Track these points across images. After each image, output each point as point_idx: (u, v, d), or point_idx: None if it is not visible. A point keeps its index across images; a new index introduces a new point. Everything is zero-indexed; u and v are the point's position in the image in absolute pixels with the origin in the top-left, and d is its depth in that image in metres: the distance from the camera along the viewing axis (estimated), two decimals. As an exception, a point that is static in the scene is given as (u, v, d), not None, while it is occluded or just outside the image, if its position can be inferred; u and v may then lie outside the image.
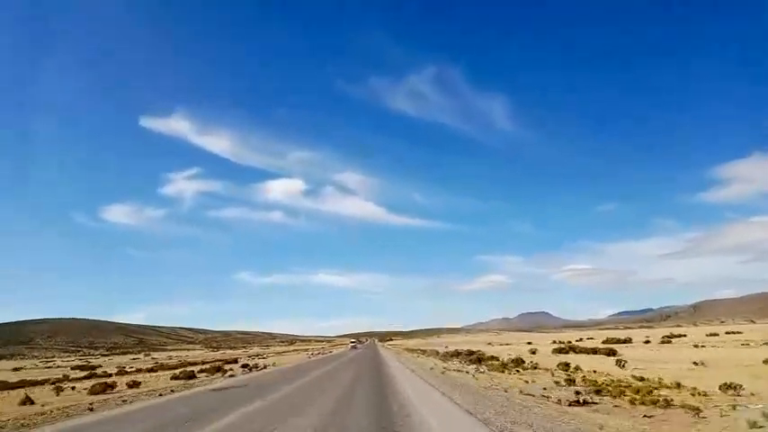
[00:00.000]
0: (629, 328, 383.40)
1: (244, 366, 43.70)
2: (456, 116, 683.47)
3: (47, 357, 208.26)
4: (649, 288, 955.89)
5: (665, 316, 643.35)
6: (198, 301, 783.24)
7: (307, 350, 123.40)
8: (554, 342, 75.61)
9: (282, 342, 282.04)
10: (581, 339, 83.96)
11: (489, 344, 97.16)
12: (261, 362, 52.24)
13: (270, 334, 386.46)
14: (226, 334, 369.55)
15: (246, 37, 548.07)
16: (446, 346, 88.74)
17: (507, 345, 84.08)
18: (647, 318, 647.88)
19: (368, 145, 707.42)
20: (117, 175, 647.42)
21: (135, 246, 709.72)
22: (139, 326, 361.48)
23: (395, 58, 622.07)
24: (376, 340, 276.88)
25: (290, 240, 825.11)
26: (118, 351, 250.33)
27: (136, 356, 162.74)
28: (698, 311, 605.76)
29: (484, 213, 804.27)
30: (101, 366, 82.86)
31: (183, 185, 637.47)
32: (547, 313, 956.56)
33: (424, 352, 59.68)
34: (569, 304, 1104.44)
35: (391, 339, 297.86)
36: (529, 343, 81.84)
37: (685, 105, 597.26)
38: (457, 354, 45.42)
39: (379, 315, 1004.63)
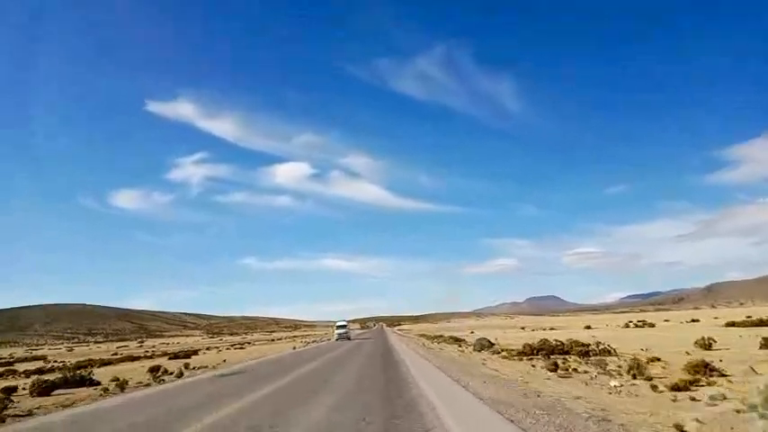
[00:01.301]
0: (645, 310, 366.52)
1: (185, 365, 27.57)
2: (463, 98, 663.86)
3: (37, 345, 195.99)
4: (657, 271, 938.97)
5: (677, 298, 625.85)
6: (204, 287, 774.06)
7: (307, 336, 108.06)
8: (611, 325, 58.90)
9: (287, 328, 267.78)
10: (642, 323, 67.05)
11: (522, 328, 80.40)
12: (208, 359, 36.17)
13: (274, 320, 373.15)
14: (230, 320, 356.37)
15: (252, 20, 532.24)
16: (471, 331, 71.96)
17: (547, 329, 67.03)
18: (658, 300, 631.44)
19: (374, 128, 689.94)
20: (124, 159, 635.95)
21: (143, 231, 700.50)
22: (142, 311, 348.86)
23: (401, 40, 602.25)
24: (384, 325, 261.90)
25: (297, 225, 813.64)
26: (115, 338, 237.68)
27: (123, 345, 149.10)
28: (711, 293, 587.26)
29: (491, 196, 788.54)
30: (45, 357, 68.08)
31: (191, 170, 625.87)
32: (555, 297, 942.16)
33: (457, 342, 43.51)
34: (577, 288, 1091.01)
35: (399, 324, 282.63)
36: (588, 327, 64.71)
37: (695, 86, 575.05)
38: (486, 345, 28.93)
39: (387, 299, 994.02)
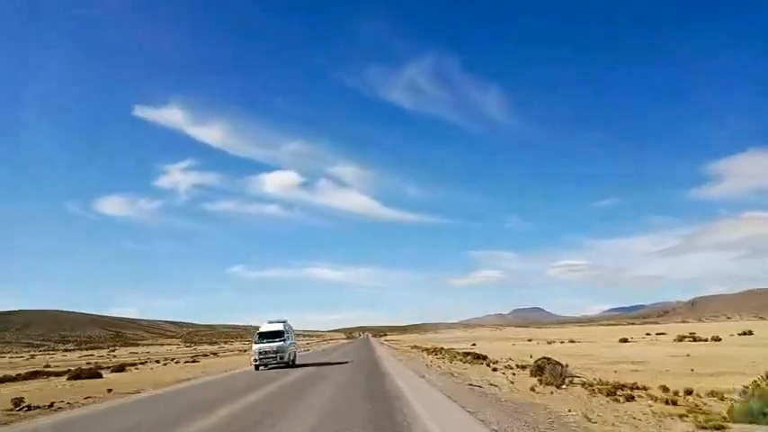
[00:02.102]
0: (633, 323, 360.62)
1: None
2: (452, 108, 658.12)
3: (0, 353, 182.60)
4: (639, 284, 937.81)
5: (662, 312, 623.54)
6: (190, 295, 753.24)
7: None
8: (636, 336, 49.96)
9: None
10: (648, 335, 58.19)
11: (529, 340, 71.23)
12: (127, 379, 26.43)
13: (257, 328, 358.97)
14: (211, 327, 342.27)
15: (242, 28, 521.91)
16: (472, 344, 62.73)
17: (561, 342, 58.01)
18: (642, 314, 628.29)
19: (363, 137, 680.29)
20: (111, 165, 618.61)
21: (128, 238, 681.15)
22: (119, 318, 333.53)
23: (391, 49, 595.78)
24: (370, 335, 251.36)
25: (285, 234, 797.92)
26: (87, 346, 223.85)
27: (88, 354, 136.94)
28: (696, 307, 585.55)
29: (478, 208, 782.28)
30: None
31: (178, 177, 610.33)
32: (540, 309, 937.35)
33: (480, 360, 34.02)
34: (561, 300, 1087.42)
35: (386, 334, 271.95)
36: (623, 340, 55.30)
37: (680, 100, 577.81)
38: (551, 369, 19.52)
39: (373, 310, 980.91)
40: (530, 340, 68.90)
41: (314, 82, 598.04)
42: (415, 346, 61.35)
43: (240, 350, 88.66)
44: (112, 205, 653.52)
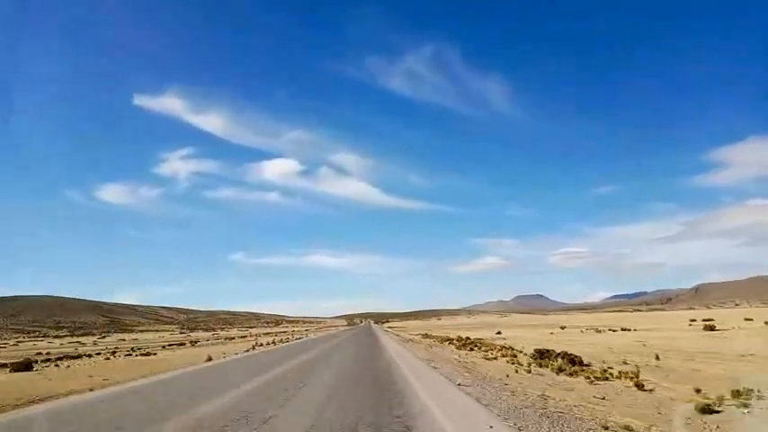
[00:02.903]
0: (639, 310, 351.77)
1: None
2: (452, 96, 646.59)
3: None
4: (642, 272, 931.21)
5: (665, 299, 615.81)
6: (191, 282, 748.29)
7: (283, 333, 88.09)
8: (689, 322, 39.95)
9: (268, 323, 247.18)
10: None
11: (562, 328, 61.18)
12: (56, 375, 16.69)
13: (255, 314, 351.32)
14: (210, 314, 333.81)
15: (241, 16, 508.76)
16: (497, 332, 52.94)
17: (602, 331, 48.04)
18: (645, 301, 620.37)
19: (363, 125, 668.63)
20: (111, 153, 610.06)
21: (129, 225, 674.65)
22: (118, 305, 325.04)
23: (391, 38, 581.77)
24: (371, 322, 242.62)
25: (286, 221, 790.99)
26: (80, 332, 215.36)
27: (75, 341, 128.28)
28: (699, 294, 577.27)
29: (479, 195, 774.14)
30: None
31: (178, 165, 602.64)
32: (542, 296, 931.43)
33: (480, 348, 24.01)
34: (563, 287, 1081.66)
35: (388, 321, 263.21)
36: (709, 327, 44.97)
37: (682, 89, 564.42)
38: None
39: (375, 296, 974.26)
40: (563, 328, 58.74)
41: (314, 71, 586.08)
42: (426, 335, 51.58)
43: (228, 338, 79.14)
44: (113, 193, 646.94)
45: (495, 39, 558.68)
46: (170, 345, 51.46)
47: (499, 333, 49.22)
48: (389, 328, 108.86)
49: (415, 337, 45.61)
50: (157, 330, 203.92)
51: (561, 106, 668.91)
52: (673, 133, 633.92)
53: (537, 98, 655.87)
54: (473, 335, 43.64)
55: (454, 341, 32.74)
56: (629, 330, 43.65)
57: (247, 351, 30.80)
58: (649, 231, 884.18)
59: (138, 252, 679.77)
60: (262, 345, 40.22)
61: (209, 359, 23.13)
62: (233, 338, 73.13)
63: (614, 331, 44.20)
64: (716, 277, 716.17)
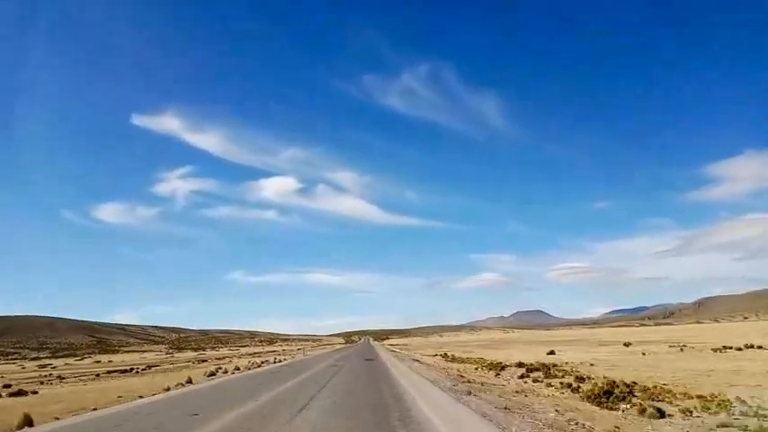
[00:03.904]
0: (645, 325, 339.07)
1: None
2: (449, 114, 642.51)
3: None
4: (641, 286, 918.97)
5: (667, 313, 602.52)
6: (189, 301, 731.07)
7: (273, 353, 75.38)
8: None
9: (261, 342, 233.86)
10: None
11: (626, 345, 49.52)
12: None
13: (250, 333, 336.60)
14: (203, 333, 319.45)
15: (238, 35, 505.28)
16: (552, 352, 41.59)
17: (676, 346, 36.81)
18: (648, 315, 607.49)
19: (361, 143, 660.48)
20: (109, 172, 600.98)
21: (126, 244, 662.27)
22: (107, 324, 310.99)
23: (388, 57, 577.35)
24: (371, 339, 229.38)
25: (284, 239, 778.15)
26: (63, 353, 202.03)
27: (48, 363, 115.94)
28: (703, 308, 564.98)
29: (477, 212, 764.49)
30: None
31: (176, 184, 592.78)
32: (541, 311, 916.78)
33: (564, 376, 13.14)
34: (562, 302, 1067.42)
35: (388, 338, 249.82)
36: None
37: (678, 104, 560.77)
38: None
39: (373, 313, 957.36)
40: (627, 345, 46.86)
41: (311, 89, 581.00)
42: (446, 356, 40.24)
43: (203, 359, 67.18)
44: (110, 212, 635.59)
45: (490, 56, 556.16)
46: (116, 371, 39.81)
47: (552, 353, 37.60)
48: (391, 346, 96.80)
49: (432, 361, 34.26)
50: (143, 351, 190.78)
51: (557, 122, 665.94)
52: (668, 148, 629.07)
53: (533, 115, 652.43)
54: (501, 355, 32.69)
55: (508, 366, 21.19)
56: (721, 350, 32.34)
57: (252, 368, 19.40)
58: (647, 246, 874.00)
59: (135, 271, 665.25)
60: (226, 372, 29.02)
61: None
62: (205, 360, 61.47)
63: (681, 349, 32.96)
64: (716, 291, 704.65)
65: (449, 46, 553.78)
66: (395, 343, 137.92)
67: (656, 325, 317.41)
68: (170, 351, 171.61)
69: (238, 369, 31.31)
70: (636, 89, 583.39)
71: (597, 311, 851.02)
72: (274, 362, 42.62)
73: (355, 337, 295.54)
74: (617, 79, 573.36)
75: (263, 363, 41.22)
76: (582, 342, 66.48)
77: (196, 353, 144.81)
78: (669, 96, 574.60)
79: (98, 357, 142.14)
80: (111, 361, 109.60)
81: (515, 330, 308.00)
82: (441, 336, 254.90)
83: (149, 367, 47.44)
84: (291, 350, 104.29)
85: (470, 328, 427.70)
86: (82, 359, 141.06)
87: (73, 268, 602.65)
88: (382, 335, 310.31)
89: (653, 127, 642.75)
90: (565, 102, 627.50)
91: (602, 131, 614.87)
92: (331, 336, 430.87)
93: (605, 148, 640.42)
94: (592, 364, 24.74)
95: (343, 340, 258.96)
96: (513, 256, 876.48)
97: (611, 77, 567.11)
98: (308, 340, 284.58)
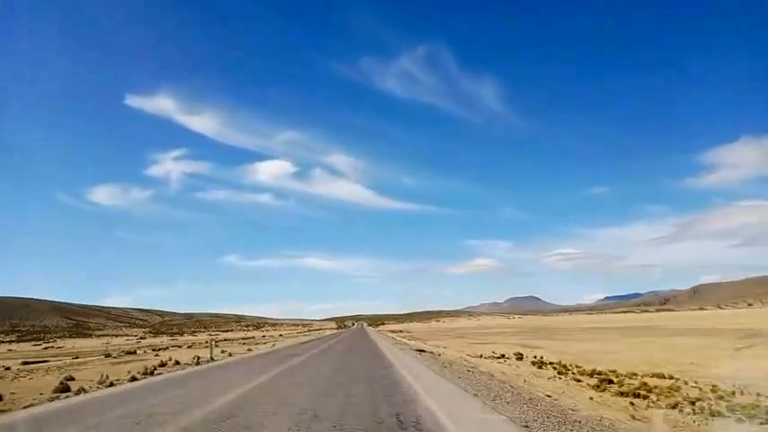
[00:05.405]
0: (646, 311, 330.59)
1: None
2: (446, 98, 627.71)
3: None
4: (635, 273, 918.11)
5: (663, 300, 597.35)
6: (183, 285, 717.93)
7: (252, 339, 60.77)
8: None
9: (248, 326, 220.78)
10: None
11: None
12: None
13: (237, 317, 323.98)
14: (188, 317, 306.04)
15: (234, 16, 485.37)
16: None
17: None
18: (643, 302, 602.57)
19: (357, 126, 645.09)
20: (103, 154, 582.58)
21: (119, 227, 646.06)
22: (87, 306, 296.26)
23: (385, 39, 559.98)
24: (365, 324, 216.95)
25: (279, 223, 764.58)
26: (33, 337, 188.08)
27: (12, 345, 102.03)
28: (698, 295, 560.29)
29: (473, 197, 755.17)
30: None
31: (170, 166, 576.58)
32: (535, 297, 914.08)
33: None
34: (557, 289, 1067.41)
35: (383, 323, 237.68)
36: None
37: (673, 91, 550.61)
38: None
39: (368, 298, 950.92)
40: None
41: (307, 72, 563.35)
42: (480, 356, 27.04)
43: (173, 346, 53.64)
44: (104, 194, 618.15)
45: (488, 40, 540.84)
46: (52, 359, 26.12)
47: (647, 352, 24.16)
48: (393, 333, 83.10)
49: (445, 352, 20.96)
50: (119, 335, 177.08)
51: (555, 108, 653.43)
52: (665, 135, 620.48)
53: (530, 100, 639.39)
54: (546, 346, 19.62)
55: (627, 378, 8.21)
56: None
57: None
58: (642, 233, 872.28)
59: (129, 254, 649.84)
60: (178, 363, 15.69)
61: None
62: (166, 348, 48.26)
63: None
64: (710, 278, 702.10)
65: (447, 29, 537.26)
66: (393, 329, 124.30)
67: (657, 311, 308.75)
68: (145, 336, 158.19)
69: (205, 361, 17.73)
70: (634, 76, 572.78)
71: (591, 298, 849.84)
72: (246, 353, 29.05)
73: (348, 323, 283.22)
74: (615, 66, 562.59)
75: (230, 354, 27.66)
76: (614, 331, 53.50)
77: (171, 338, 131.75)
78: (667, 83, 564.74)
79: (62, 343, 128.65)
80: (74, 346, 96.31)
81: (514, 316, 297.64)
82: (438, 321, 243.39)
83: (75, 357, 33.65)
84: (274, 336, 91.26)
85: (468, 313, 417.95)
86: (49, 343, 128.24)
87: (65, 250, 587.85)
88: (377, 320, 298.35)
89: (650, 114, 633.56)
90: (563, 87, 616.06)
91: (601, 117, 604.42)
92: (324, 320, 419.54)
93: (603, 134, 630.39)
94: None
95: (335, 325, 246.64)
96: (508, 241, 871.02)
97: (609, 64, 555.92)
98: (296, 325, 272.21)
